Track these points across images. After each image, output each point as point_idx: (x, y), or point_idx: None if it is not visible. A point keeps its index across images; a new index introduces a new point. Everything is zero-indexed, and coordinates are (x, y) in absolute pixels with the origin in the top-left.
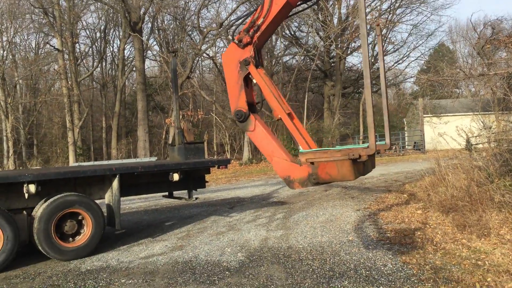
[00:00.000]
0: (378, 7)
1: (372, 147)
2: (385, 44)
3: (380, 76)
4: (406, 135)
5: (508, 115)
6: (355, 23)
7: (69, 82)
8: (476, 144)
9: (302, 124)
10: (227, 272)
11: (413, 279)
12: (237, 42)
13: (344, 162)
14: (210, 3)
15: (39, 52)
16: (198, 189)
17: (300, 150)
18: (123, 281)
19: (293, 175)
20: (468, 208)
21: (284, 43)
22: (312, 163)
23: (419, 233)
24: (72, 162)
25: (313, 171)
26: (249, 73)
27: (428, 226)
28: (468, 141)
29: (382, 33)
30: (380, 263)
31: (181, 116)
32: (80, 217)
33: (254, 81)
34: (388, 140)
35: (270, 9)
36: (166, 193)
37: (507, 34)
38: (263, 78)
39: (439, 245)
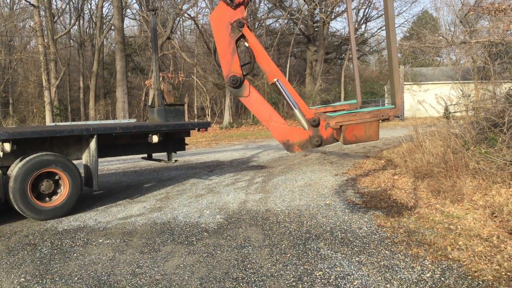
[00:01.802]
0: None
1: (398, 107)
2: (369, 10)
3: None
4: (386, 102)
5: (487, 84)
6: None
7: (45, 40)
8: (454, 112)
9: None
10: (205, 233)
11: (386, 242)
12: (228, 1)
13: (373, 124)
14: None
15: (14, 8)
16: (177, 152)
17: (328, 114)
18: (100, 240)
19: (292, 138)
20: (443, 175)
21: (267, 5)
22: (340, 126)
23: (394, 197)
24: (48, 122)
25: (314, 134)
26: (240, 36)
27: (403, 191)
28: (446, 109)
29: None
30: (356, 226)
31: (161, 78)
32: (57, 177)
33: (247, 44)
34: (399, 102)
35: None
36: (145, 155)
37: (490, 2)
38: (257, 40)
39: (413, 209)
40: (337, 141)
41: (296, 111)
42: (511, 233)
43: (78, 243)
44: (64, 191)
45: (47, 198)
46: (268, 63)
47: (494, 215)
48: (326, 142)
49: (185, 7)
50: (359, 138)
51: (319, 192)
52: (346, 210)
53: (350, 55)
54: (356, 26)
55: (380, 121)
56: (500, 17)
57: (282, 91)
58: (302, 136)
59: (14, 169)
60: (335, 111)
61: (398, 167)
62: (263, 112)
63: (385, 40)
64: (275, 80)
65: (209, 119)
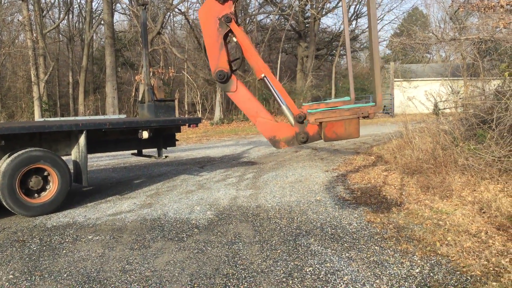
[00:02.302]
0: None
1: (379, 105)
2: (360, 6)
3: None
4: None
5: (476, 80)
6: None
7: (34, 34)
8: (444, 108)
9: None
10: (195, 230)
11: (376, 237)
12: None
13: (352, 121)
14: None
15: (2, 2)
16: (168, 148)
17: (308, 110)
18: (90, 237)
19: (279, 134)
20: (432, 171)
21: (258, 1)
22: (320, 123)
23: (384, 193)
24: (37, 118)
25: (301, 130)
26: (228, 31)
27: (393, 187)
28: (436, 105)
29: None
30: (346, 222)
31: (151, 73)
32: (45, 173)
33: (235, 39)
34: (379, 99)
35: None
36: (135, 151)
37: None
38: (245, 35)
39: (403, 205)
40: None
41: (284, 107)
42: (499, 228)
43: (67, 240)
44: (53, 187)
45: (36, 194)
46: (255, 59)
47: (483, 211)
48: (312, 138)
49: (175, 2)
50: (339, 135)
51: (310, 188)
52: (336, 206)
53: (341, 51)
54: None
55: (361, 118)
56: (489, 14)
57: (269, 86)
58: (288, 132)
59: (2, 165)
60: (328, 108)
61: (388, 163)
62: (250, 108)
63: (368, 39)
64: (262, 75)
65: (200, 115)
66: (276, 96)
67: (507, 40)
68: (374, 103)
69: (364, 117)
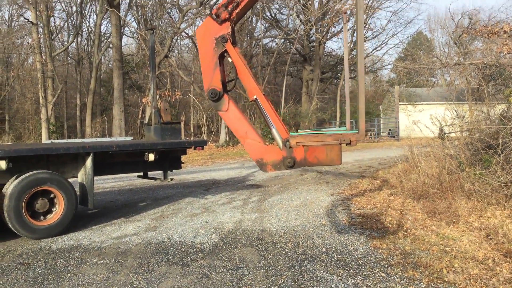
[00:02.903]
0: None
1: (362, 133)
2: (365, 30)
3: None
4: (381, 122)
5: (481, 105)
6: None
7: (43, 57)
8: (449, 132)
9: (280, 107)
10: (200, 254)
11: (382, 264)
12: (214, 17)
13: (334, 147)
14: None
15: (13, 25)
16: (173, 170)
17: (290, 133)
18: (94, 260)
19: (266, 157)
20: (439, 196)
21: (264, 25)
22: (303, 146)
23: (390, 218)
24: (44, 139)
25: (288, 155)
26: (224, 51)
27: (399, 212)
28: (441, 129)
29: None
30: (352, 247)
31: (158, 96)
32: (52, 195)
33: (230, 59)
34: (362, 127)
35: None
36: (141, 173)
37: (483, 24)
38: (239, 57)
39: (409, 231)
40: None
41: (273, 130)
42: (506, 255)
43: (72, 263)
44: (59, 210)
45: (41, 217)
46: (248, 80)
47: (490, 237)
48: (299, 164)
49: (183, 26)
50: (321, 160)
51: (315, 212)
52: (342, 231)
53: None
54: (352, 46)
55: (344, 145)
56: (494, 39)
57: (261, 108)
58: (276, 156)
59: (9, 187)
60: (311, 132)
61: (393, 188)
62: (240, 128)
63: (358, 67)
64: (254, 97)
65: (205, 137)
66: (267, 119)
67: (511, 65)
68: (357, 131)
69: (346, 144)
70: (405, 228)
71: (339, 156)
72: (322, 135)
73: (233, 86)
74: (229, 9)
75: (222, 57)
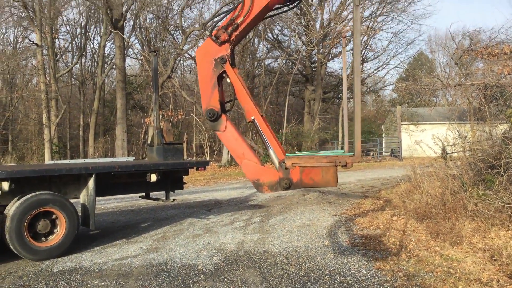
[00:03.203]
0: (360, 14)
1: (358, 155)
2: (366, 51)
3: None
4: (383, 141)
5: (483, 125)
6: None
7: (47, 78)
8: (452, 152)
9: (282, 127)
10: (202, 276)
11: (386, 286)
12: (214, 38)
13: (329, 169)
14: (193, 3)
15: (17, 46)
16: (175, 191)
17: (286, 154)
18: (95, 283)
19: (263, 178)
20: (442, 216)
21: (266, 46)
22: (298, 167)
23: (393, 239)
24: (47, 160)
25: (284, 176)
26: (223, 72)
27: (402, 233)
28: (443, 149)
29: (363, 40)
30: (355, 269)
31: (160, 116)
32: (53, 216)
33: (228, 80)
34: (358, 149)
35: (251, 9)
36: (143, 194)
37: (484, 45)
38: (238, 78)
39: (412, 252)
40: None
41: (271, 151)
42: (510, 277)
43: (73, 285)
44: (60, 231)
45: (43, 238)
46: (246, 101)
47: (494, 258)
48: (296, 185)
49: (186, 47)
50: (316, 182)
51: (318, 233)
52: (345, 252)
53: (348, 95)
54: (352, 68)
55: (340, 166)
56: (494, 60)
57: (259, 128)
58: (272, 177)
59: (11, 208)
60: (307, 153)
61: (396, 208)
62: (237, 149)
63: (354, 91)
64: (252, 118)
65: (207, 157)
66: (264, 139)
67: None
68: (353, 153)
69: (342, 166)
70: (408, 249)
71: (334, 178)
72: (317, 156)
73: (232, 107)
74: (229, 31)
75: (221, 77)
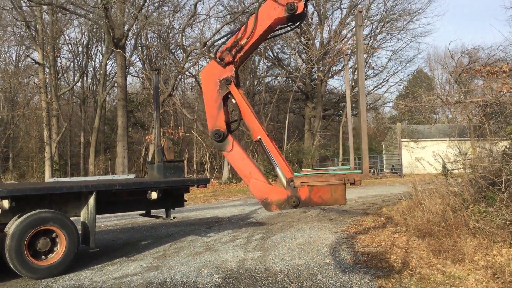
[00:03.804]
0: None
1: (366, 173)
2: (366, 69)
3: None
4: (384, 158)
5: (483, 142)
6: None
7: (49, 96)
8: (452, 169)
9: (282, 145)
10: None
11: None
12: (218, 60)
13: (338, 187)
14: (194, 22)
15: (19, 65)
16: (176, 208)
17: (295, 173)
18: None
19: (271, 197)
20: (444, 233)
21: (267, 64)
22: (307, 186)
23: (395, 257)
24: (48, 177)
25: (293, 194)
26: (228, 93)
27: (404, 250)
28: (444, 166)
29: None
30: (357, 287)
31: (161, 134)
32: (54, 235)
33: (234, 100)
34: (366, 167)
35: (255, 30)
36: (143, 212)
37: (482, 63)
38: (243, 98)
39: (414, 269)
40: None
41: (278, 170)
42: None
43: None
44: (60, 249)
45: (43, 256)
46: (252, 121)
47: (496, 276)
48: (304, 203)
49: (186, 65)
50: (326, 200)
51: (319, 251)
52: (347, 270)
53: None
54: (353, 84)
55: (348, 184)
56: (493, 78)
57: (265, 148)
58: (280, 195)
59: (12, 226)
60: (315, 172)
61: (398, 225)
62: (244, 168)
63: (360, 109)
64: (258, 137)
65: (208, 174)
66: (271, 158)
67: (511, 103)
68: (361, 171)
69: (350, 184)
70: (410, 266)
71: (343, 196)
72: (326, 175)
73: (237, 127)
74: (233, 52)
75: (226, 98)
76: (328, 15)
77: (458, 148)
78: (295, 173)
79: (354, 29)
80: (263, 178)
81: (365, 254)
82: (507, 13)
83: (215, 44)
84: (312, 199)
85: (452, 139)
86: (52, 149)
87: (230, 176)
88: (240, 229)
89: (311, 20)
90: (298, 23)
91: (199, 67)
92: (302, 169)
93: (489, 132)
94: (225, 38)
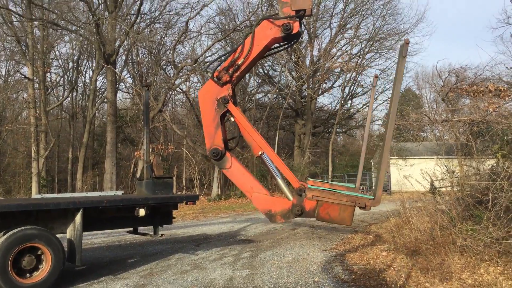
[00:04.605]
0: (349, 51)
1: (378, 200)
2: (355, 87)
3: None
4: (373, 176)
5: (470, 160)
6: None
7: (38, 111)
8: (440, 187)
9: None
10: None
11: None
12: (215, 79)
13: (348, 208)
14: (186, 39)
15: (9, 80)
16: (164, 225)
17: (308, 186)
18: None
19: (275, 208)
20: (431, 251)
21: (257, 81)
22: (317, 201)
23: (383, 275)
24: (34, 194)
25: (298, 203)
26: (225, 111)
27: (392, 268)
28: (432, 184)
29: (352, 76)
30: None
31: (151, 150)
32: (39, 252)
33: (233, 118)
34: (379, 195)
35: (251, 50)
36: (131, 229)
37: (469, 83)
38: (242, 115)
39: None
40: None
41: (279, 180)
42: None
43: None
44: (45, 267)
45: (28, 274)
46: (253, 137)
47: None
48: (307, 214)
49: (177, 81)
50: (332, 218)
51: (308, 269)
52: None
53: (337, 129)
54: (342, 102)
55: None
56: (480, 97)
57: (266, 162)
58: (284, 206)
59: None
60: (332, 188)
61: (386, 243)
62: (245, 183)
63: (386, 135)
64: (259, 153)
65: (197, 191)
66: (273, 171)
67: (497, 122)
68: (373, 197)
69: (360, 208)
70: (398, 285)
71: (350, 217)
72: (339, 194)
73: (236, 144)
74: (230, 72)
75: (223, 116)
76: (318, 34)
77: (445, 166)
78: (309, 186)
79: (343, 47)
80: (265, 191)
81: (354, 273)
82: (493, 34)
83: (212, 63)
84: (319, 214)
85: (439, 157)
86: (39, 165)
87: (219, 193)
88: (229, 247)
89: (302, 38)
90: (294, 41)
91: (190, 83)
92: (308, 179)
93: (476, 150)
94: (224, 57)
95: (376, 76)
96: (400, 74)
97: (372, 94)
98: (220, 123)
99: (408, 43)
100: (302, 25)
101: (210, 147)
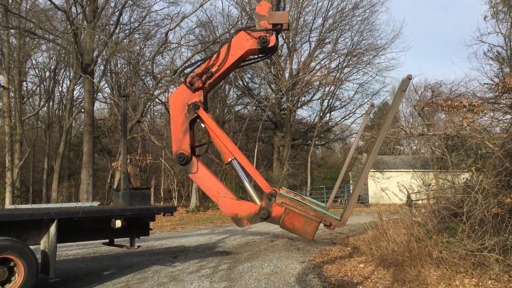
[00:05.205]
0: (327, 65)
1: (344, 222)
2: (333, 101)
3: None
4: (351, 188)
5: (445, 173)
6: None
7: (13, 121)
8: (416, 200)
9: None
10: None
11: None
12: (188, 85)
13: (313, 222)
14: (165, 50)
15: None
16: (141, 237)
17: (280, 191)
18: None
19: (241, 212)
20: (408, 263)
21: (237, 93)
22: (285, 208)
23: (361, 287)
24: (8, 204)
25: (266, 207)
26: (196, 117)
27: (369, 280)
28: (408, 197)
29: (330, 90)
30: None
31: (128, 160)
32: (12, 264)
33: (203, 124)
34: (346, 217)
35: (226, 59)
36: (107, 240)
37: (444, 98)
38: (213, 121)
39: None
40: None
41: (246, 184)
42: None
43: None
44: (18, 279)
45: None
46: (224, 142)
47: None
48: (273, 220)
49: (156, 92)
50: (296, 228)
51: (286, 281)
52: None
53: (316, 142)
54: (321, 115)
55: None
56: (455, 112)
57: (236, 168)
58: (250, 209)
59: None
60: (303, 201)
61: (364, 255)
62: (212, 188)
63: (368, 160)
64: (230, 159)
65: (176, 202)
66: (242, 176)
67: (472, 137)
68: (340, 218)
69: (325, 225)
70: None
71: (313, 232)
72: (307, 207)
73: (205, 151)
74: (203, 78)
75: (193, 122)
76: (297, 47)
77: (421, 179)
78: (281, 192)
79: (322, 61)
80: (232, 195)
81: (332, 284)
82: (468, 51)
83: (185, 68)
84: (284, 221)
85: (416, 170)
86: (13, 175)
87: (198, 204)
88: (207, 259)
89: (281, 51)
90: (269, 54)
91: (169, 94)
92: (282, 187)
93: (451, 164)
94: (199, 63)
95: (372, 105)
96: (395, 107)
97: (364, 121)
98: (190, 129)
99: (411, 79)
100: (281, 38)
101: (176, 152)
